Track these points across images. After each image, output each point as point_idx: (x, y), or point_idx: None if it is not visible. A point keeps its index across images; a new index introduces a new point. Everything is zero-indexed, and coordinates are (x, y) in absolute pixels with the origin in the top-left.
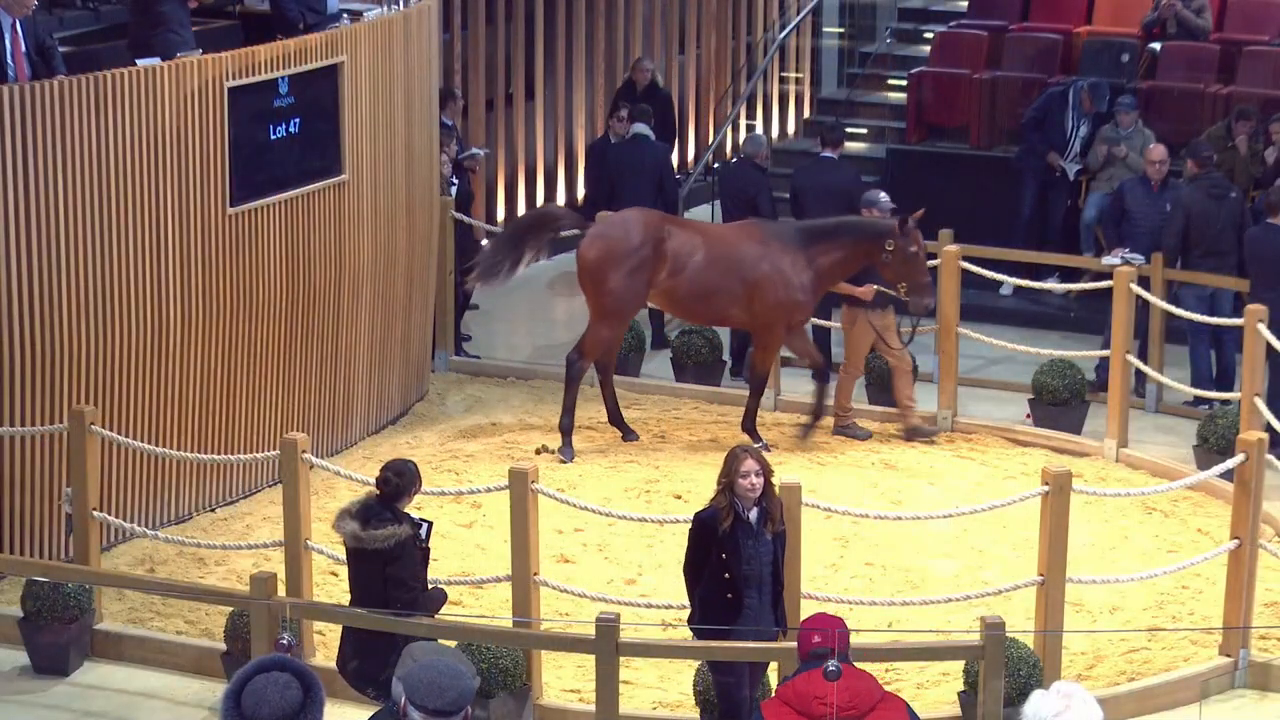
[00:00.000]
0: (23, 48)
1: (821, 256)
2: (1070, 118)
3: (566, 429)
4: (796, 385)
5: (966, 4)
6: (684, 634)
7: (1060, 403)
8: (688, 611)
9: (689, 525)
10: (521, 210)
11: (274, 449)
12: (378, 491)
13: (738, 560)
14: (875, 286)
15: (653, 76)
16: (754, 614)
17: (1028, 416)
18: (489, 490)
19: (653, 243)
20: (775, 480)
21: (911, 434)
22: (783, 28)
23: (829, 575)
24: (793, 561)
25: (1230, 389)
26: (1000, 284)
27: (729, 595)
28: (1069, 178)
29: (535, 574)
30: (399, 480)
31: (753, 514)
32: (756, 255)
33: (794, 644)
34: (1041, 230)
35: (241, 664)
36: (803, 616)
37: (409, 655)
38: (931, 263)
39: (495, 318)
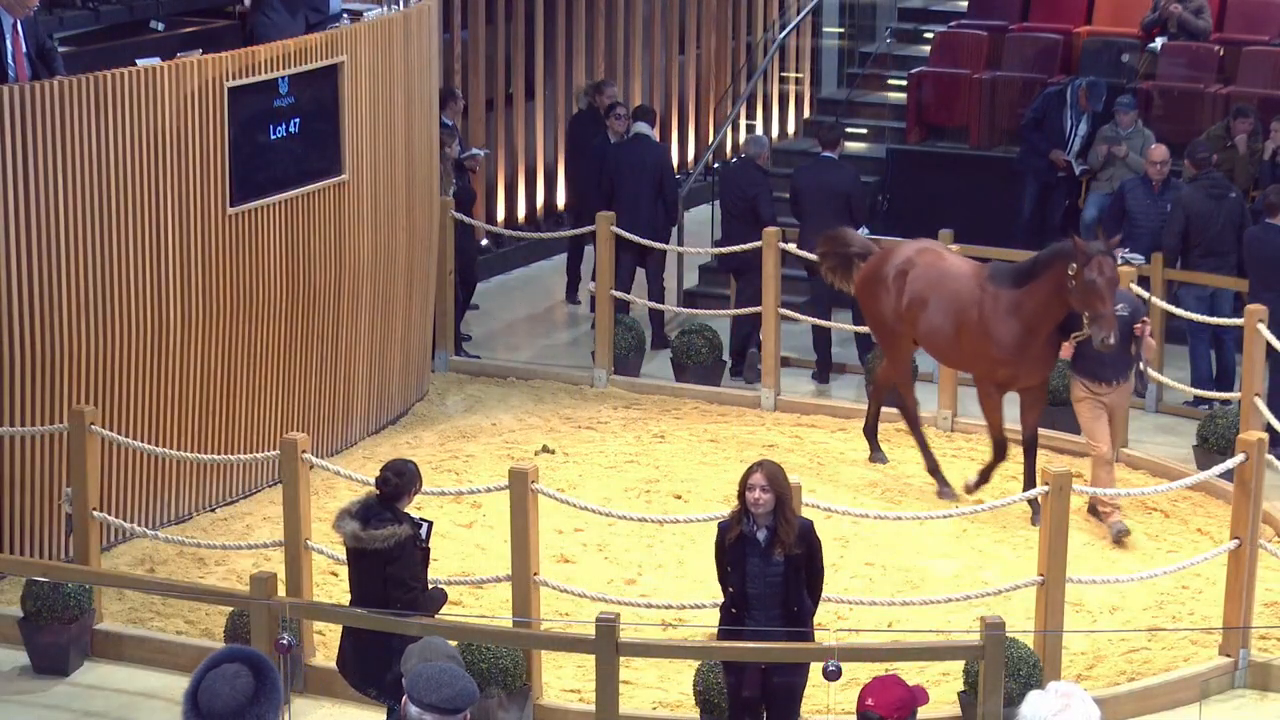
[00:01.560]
0: (24, 48)
1: (1027, 300)
2: (1068, 117)
3: (869, 432)
4: (796, 385)
5: (966, 4)
6: (684, 634)
7: (1060, 403)
8: (687, 611)
9: (688, 526)
10: (521, 211)
11: (274, 449)
12: (377, 492)
13: (741, 577)
14: (1074, 340)
15: (613, 100)
16: (756, 634)
17: None
18: (489, 490)
19: (896, 272)
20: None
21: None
22: (783, 28)
23: (829, 575)
24: None
25: (1230, 389)
26: None
27: (733, 610)
28: (1074, 174)
29: (535, 574)
30: (399, 481)
31: (761, 533)
32: (970, 301)
33: (788, 644)
34: (1041, 230)
35: None
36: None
37: (410, 654)
38: None
39: (495, 318)
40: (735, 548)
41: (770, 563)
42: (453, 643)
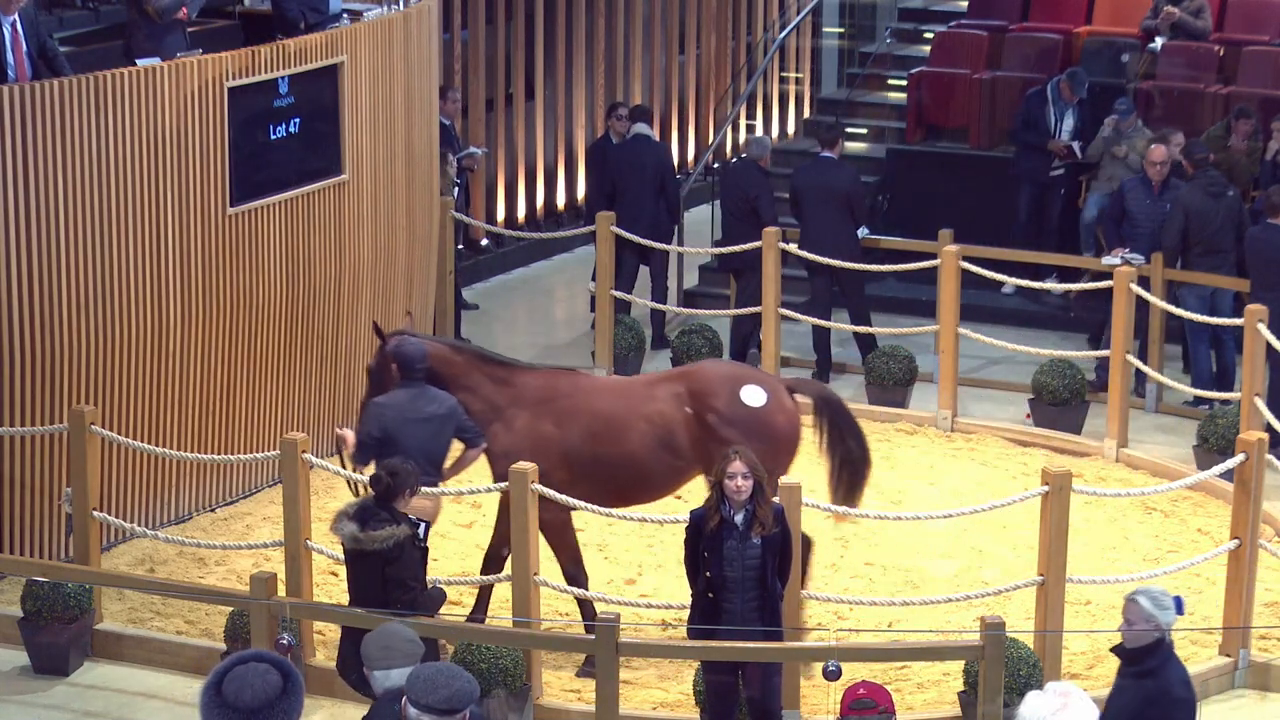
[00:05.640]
0: (24, 48)
1: None
2: (1051, 113)
3: None
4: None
5: (966, 4)
6: (684, 634)
7: (1060, 403)
8: (687, 611)
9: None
10: (521, 211)
11: (274, 449)
12: (373, 492)
13: (718, 561)
14: None
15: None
16: (733, 617)
17: (1028, 416)
18: (489, 490)
19: None
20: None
21: None
22: (783, 28)
23: (829, 575)
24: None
25: (1230, 389)
26: (1001, 284)
27: (710, 595)
28: (1079, 158)
29: (535, 574)
30: (391, 480)
31: (739, 516)
32: None
33: (788, 644)
34: (1038, 234)
35: None
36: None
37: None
38: (931, 263)
39: (495, 318)
40: (712, 534)
41: (748, 545)
42: (449, 644)
